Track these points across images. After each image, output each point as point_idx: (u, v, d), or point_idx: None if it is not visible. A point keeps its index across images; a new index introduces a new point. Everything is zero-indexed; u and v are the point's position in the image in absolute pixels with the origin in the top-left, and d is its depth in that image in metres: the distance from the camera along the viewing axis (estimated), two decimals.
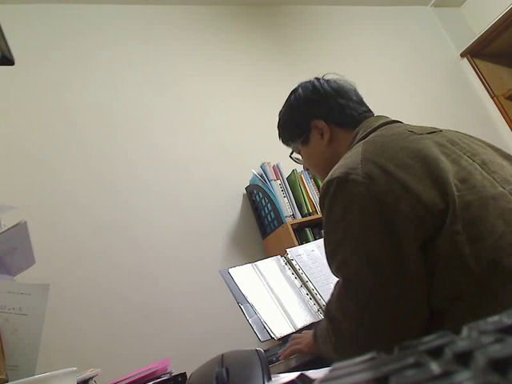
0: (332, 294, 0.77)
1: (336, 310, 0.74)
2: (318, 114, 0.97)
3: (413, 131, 0.80)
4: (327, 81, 0.99)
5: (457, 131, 0.86)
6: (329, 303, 0.78)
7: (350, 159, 0.76)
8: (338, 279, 0.76)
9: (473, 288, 0.63)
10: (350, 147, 0.88)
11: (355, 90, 0.99)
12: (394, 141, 0.77)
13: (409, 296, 0.66)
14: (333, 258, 0.75)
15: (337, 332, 0.75)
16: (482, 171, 0.71)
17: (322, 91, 0.97)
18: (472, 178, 0.69)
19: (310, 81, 1.02)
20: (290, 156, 1.07)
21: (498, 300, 0.61)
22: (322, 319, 0.85)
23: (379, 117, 0.93)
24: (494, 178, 0.71)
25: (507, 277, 0.62)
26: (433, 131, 0.82)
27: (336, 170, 0.75)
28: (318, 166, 1.01)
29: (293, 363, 0.97)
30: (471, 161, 0.73)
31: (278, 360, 1.00)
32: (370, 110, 0.98)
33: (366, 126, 0.89)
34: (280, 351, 1.02)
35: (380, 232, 0.68)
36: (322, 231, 0.79)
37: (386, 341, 0.67)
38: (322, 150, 0.97)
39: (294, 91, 1.02)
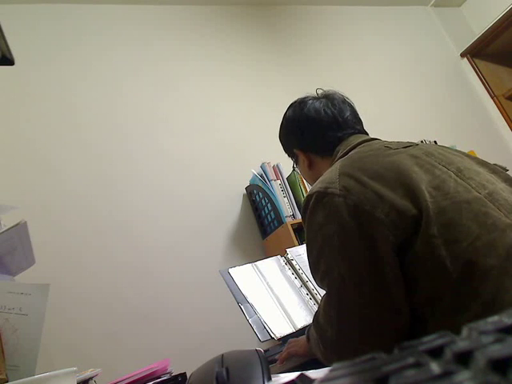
0: (319, 305, 0.81)
1: (322, 319, 0.78)
2: (296, 144, 1.04)
3: (389, 146, 0.84)
4: (305, 107, 1.01)
5: (434, 144, 0.92)
6: (317, 313, 0.82)
7: (329, 175, 0.80)
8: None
9: (451, 289, 0.66)
10: (331, 166, 0.92)
11: (340, 111, 0.99)
12: (370, 156, 0.82)
13: (388, 300, 0.69)
14: (316, 268, 0.78)
15: (323, 340, 0.77)
16: (457, 178, 0.75)
17: (296, 122, 1.02)
18: (445, 185, 0.72)
19: (291, 106, 1.07)
20: (293, 168, 1.14)
21: (478, 300, 0.63)
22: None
23: (358, 136, 0.96)
24: (468, 184, 0.74)
25: (484, 277, 0.64)
26: (409, 145, 0.85)
27: (316, 186, 0.80)
28: (310, 181, 1.11)
29: (291, 364, 0.97)
30: (446, 169, 0.77)
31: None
32: (354, 128, 0.98)
33: (345, 145, 0.94)
34: (277, 356, 1.02)
35: (358, 239, 0.71)
36: (306, 244, 0.82)
37: (369, 347, 0.69)
38: (307, 172, 1.06)
39: (283, 117, 1.09)
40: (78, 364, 0.70)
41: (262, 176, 1.90)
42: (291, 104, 1.07)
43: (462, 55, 3.08)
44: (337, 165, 0.82)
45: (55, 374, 0.52)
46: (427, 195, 0.70)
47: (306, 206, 0.79)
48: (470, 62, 3.05)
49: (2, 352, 0.63)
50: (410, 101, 2.72)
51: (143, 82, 2.13)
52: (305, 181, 1.94)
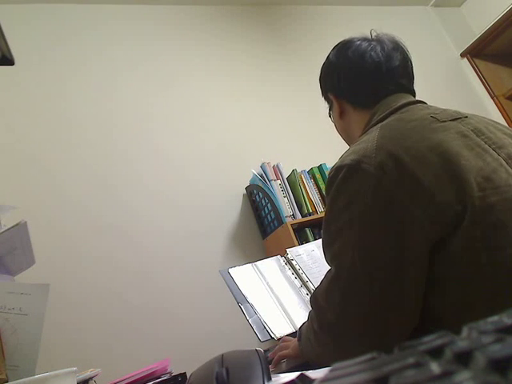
0: (322, 282, 0.74)
1: (322, 299, 0.72)
2: (331, 88, 0.95)
3: (436, 117, 0.73)
4: (349, 49, 0.90)
5: (483, 117, 0.79)
6: (317, 290, 0.75)
7: (364, 145, 0.71)
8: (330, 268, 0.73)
9: (490, 299, 0.59)
10: (365, 129, 0.84)
11: (387, 58, 0.87)
12: (415, 128, 0.71)
13: (400, 302, 0.63)
14: (330, 246, 0.72)
15: (320, 320, 0.72)
16: (508, 167, 0.65)
17: (336, 64, 0.92)
18: (496, 177, 0.63)
19: (335, 46, 0.96)
20: (329, 114, 1.03)
21: None
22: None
23: (400, 95, 0.85)
24: None
25: None
26: (457, 117, 0.75)
27: (348, 156, 0.71)
28: (339, 131, 1.01)
29: (283, 368, 0.95)
30: (496, 155, 0.66)
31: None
32: (398, 84, 0.87)
33: (385, 105, 0.83)
34: (269, 354, 1.00)
35: (384, 229, 0.64)
36: (323, 218, 0.74)
37: (369, 338, 0.65)
38: (338, 121, 0.97)
39: (326, 57, 0.99)
40: (78, 364, 0.70)
41: (262, 176, 1.90)
42: (337, 44, 0.95)
43: (462, 55, 3.08)
44: (375, 133, 0.72)
45: (55, 373, 0.52)
46: (475, 188, 0.61)
47: (333, 180, 0.71)
48: (469, 62, 3.05)
49: (2, 352, 0.63)
50: None
51: (142, 82, 2.13)
52: (305, 180, 1.94)
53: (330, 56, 0.95)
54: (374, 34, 0.93)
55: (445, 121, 0.72)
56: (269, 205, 1.88)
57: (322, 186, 1.94)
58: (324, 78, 0.98)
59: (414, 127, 0.71)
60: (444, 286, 0.64)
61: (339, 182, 0.70)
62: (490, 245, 0.59)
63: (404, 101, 0.82)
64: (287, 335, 1.09)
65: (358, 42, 0.90)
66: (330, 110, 1.00)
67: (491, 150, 0.67)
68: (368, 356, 0.20)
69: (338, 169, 0.71)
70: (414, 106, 0.82)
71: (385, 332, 0.65)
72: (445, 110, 0.79)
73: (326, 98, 0.99)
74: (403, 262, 0.63)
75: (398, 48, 0.91)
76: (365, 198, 0.66)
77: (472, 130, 0.71)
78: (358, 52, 0.88)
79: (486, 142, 0.69)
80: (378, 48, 0.88)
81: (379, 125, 0.76)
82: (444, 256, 0.62)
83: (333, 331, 0.69)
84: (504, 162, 0.65)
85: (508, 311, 0.20)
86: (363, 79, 0.87)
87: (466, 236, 0.60)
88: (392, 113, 0.80)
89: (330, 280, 0.71)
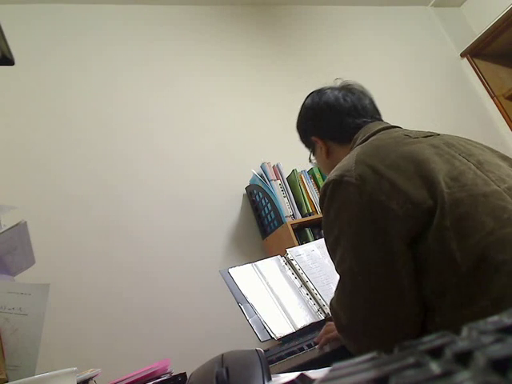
0: (335, 291, 0.82)
1: (336, 304, 0.80)
2: (314, 131, 1.04)
3: (409, 135, 0.83)
4: (323, 96, 1.02)
5: (456, 136, 0.88)
6: (332, 299, 0.83)
7: (346, 162, 0.80)
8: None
9: (460, 282, 0.65)
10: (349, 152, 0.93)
11: (359, 99, 1.00)
12: (389, 144, 0.81)
13: (398, 291, 0.70)
14: (333, 256, 0.80)
15: (337, 325, 0.80)
16: (477, 170, 0.74)
17: (315, 108, 1.02)
18: (464, 177, 0.71)
19: (309, 95, 1.06)
20: (310, 160, 1.13)
21: (487, 295, 0.63)
22: None
23: (378, 123, 0.96)
24: (488, 177, 0.73)
25: (494, 272, 0.63)
26: (429, 135, 0.85)
27: (333, 173, 0.81)
28: (325, 172, 1.10)
29: (327, 349, 0.98)
30: (466, 161, 0.76)
31: (278, 360, 0.99)
32: (373, 117, 0.99)
33: (364, 131, 0.93)
34: (315, 338, 1.01)
35: (371, 229, 0.72)
36: (323, 232, 0.83)
37: (379, 335, 0.71)
38: (324, 161, 1.05)
39: (301, 105, 1.08)
40: (78, 364, 0.70)
41: (262, 176, 1.90)
42: (309, 94, 1.07)
43: (462, 55, 3.08)
44: (354, 152, 0.82)
45: (55, 373, 0.52)
46: (444, 186, 0.69)
47: (324, 195, 0.80)
48: (470, 62, 3.05)
49: (2, 352, 0.63)
50: (410, 101, 2.72)
51: (142, 81, 2.13)
52: (305, 180, 1.94)
53: (306, 103, 1.06)
54: (338, 82, 1.05)
55: (417, 137, 0.82)
56: (269, 205, 1.88)
57: None
58: (304, 123, 1.08)
59: (389, 143, 0.81)
60: (424, 277, 0.70)
61: (328, 196, 0.79)
62: (459, 233, 0.67)
63: (381, 126, 0.93)
64: (287, 336, 1.09)
65: (329, 91, 1.02)
66: (312, 153, 1.09)
67: (460, 157, 0.77)
68: (368, 356, 0.20)
69: (325, 185, 0.80)
70: (390, 129, 0.92)
71: (396, 325, 0.71)
72: (418, 130, 0.88)
73: (307, 143, 1.09)
74: (392, 255, 0.70)
75: (363, 91, 1.03)
76: (351, 206, 0.75)
77: (443, 143, 0.81)
78: (332, 97, 1.00)
79: (455, 152, 0.78)
80: (348, 93, 1.00)
81: (358, 146, 0.87)
82: (422, 248, 0.69)
83: (348, 333, 0.78)
84: (473, 167, 0.75)
85: (508, 311, 0.20)
86: (343, 118, 0.98)
87: (438, 226, 0.67)
88: (370, 136, 0.90)
89: (338, 287, 0.80)
